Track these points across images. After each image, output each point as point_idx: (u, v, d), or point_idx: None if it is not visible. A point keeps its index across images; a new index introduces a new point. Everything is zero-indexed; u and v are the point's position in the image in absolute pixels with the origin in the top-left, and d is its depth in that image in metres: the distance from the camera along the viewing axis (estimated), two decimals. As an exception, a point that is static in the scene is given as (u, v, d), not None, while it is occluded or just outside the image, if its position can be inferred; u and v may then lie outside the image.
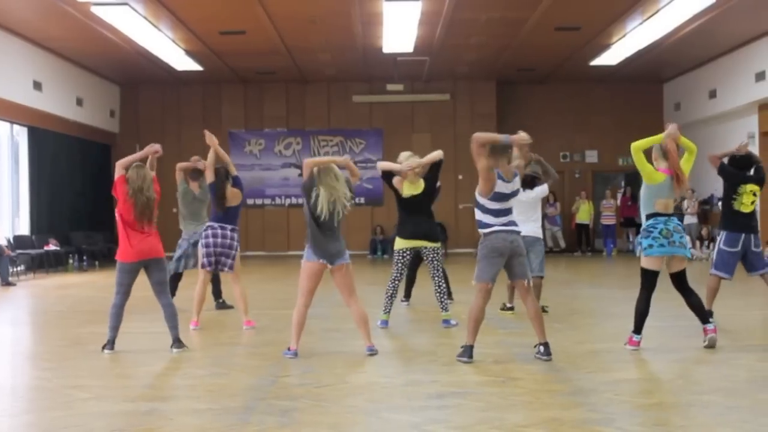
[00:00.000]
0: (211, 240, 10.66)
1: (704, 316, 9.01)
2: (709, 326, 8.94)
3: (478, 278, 8.21)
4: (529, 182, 11.54)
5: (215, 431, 5.80)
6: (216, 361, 8.50)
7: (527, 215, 11.30)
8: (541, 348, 8.26)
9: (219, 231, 10.68)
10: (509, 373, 7.67)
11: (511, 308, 11.70)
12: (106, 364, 8.52)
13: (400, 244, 10.76)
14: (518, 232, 8.28)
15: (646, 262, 8.82)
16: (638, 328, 8.86)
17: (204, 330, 10.64)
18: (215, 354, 8.95)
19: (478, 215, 8.25)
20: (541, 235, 11.49)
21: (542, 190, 11.39)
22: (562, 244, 27.20)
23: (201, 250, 10.76)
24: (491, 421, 5.92)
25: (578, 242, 27.06)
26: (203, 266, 10.79)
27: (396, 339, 9.66)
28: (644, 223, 8.87)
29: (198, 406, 6.56)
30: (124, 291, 9.03)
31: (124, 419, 6.19)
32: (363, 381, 7.47)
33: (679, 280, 8.93)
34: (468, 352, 8.22)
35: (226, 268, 10.77)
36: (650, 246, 8.72)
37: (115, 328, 9.03)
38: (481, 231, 8.22)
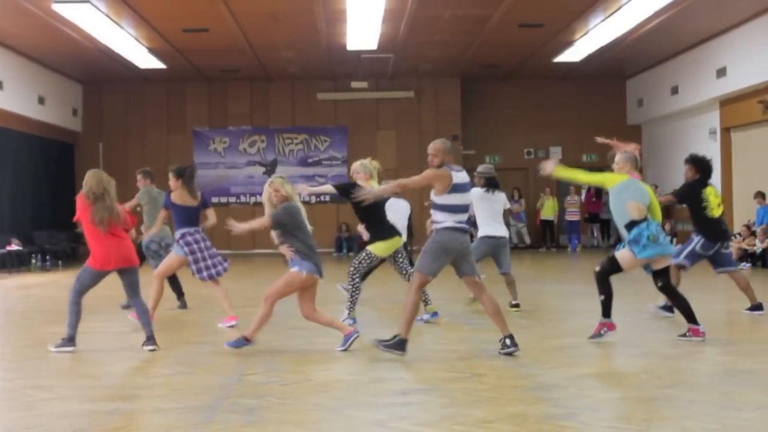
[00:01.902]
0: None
1: (691, 316, 9.09)
2: (700, 328, 9.02)
3: (421, 269, 8.22)
4: (494, 184, 11.59)
5: (180, 430, 5.77)
6: (180, 359, 8.45)
7: (500, 218, 11.46)
8: (507, 341, 8.28)
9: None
10: (474, 369, 7.69)
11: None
12: (68, 364, 8.45)
13: (384, 249, 10.44)
14: (468, 232, 8.33)
15: (629, 262, 8.87)
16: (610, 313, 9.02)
17: (168, 329, 10.57)
18: (180, 353, 8.89)
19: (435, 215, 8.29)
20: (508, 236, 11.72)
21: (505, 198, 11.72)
22: (527, 240, 27.35)
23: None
24: (455, 417, 5.93)
25: (543, 238, 27.19)
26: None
27: (361, 336, 9.64)
28: (627, 234, 8.91)
29: (162, 405, 6.52)
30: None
31: (87, 419, 6.14)
32: (328, 378, 7.46)
33: (663, 278, 8.98)
34: (404, 345, 8.22)
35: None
36: (644, 247, 8.74)
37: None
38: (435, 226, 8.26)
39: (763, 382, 7.06)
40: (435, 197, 8.23)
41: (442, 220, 8.18)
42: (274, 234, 8.72)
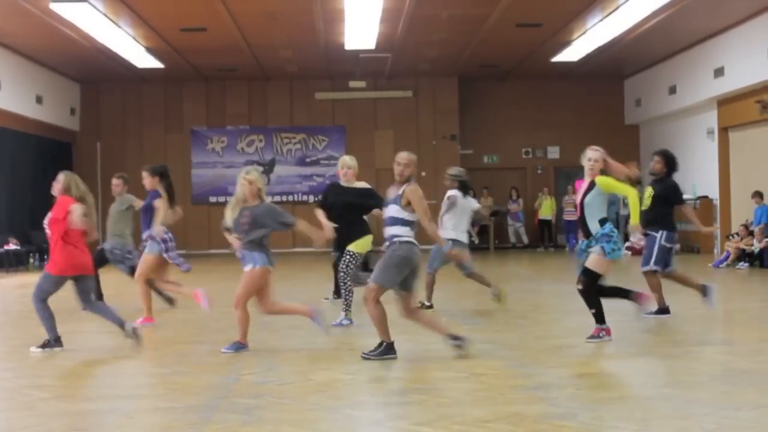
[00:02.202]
0: None
1: (626, 292, 9.17)
2: (642, 291, 9.13)
3: (382, 282, 8.12)
4: (467, 188, 11.56)
5: (177, 430, 5.76)
6: (178, 359, 8.44)
7: (466, 224, 11.43)
8: (451, 339, 8.20)
9: None
10: (471, 368, 7.68)
11: (430, 306, 11.65)
12: (66, 363, 8.44)
13: (363, 245, 10.52)
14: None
15: (603, 266, 8.85)
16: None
17: (166, 328, 10.56)
18: (177, 352, 8.89)
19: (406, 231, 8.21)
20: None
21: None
22: (525, 239, 27.35)
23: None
24: (454, 417, 5.93)
25: (541, 238, 27.18)
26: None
27: (358, 336, 9.65)
28: (600, 228, 8.87)
29: (160, 405, 6.52)
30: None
31: (85, 418, 6.14)
32: (326, 378, 7.45)
33: (587, 281, 8.98)
34: (392, 348, 8.17)
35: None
36: (612, 250, 8.77)
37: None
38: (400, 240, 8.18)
39: (760, 381, 7.06)
40: (402, 212, 8.11)
41: (404, 234, 8.12)
42: (230, 222, 8.72)
